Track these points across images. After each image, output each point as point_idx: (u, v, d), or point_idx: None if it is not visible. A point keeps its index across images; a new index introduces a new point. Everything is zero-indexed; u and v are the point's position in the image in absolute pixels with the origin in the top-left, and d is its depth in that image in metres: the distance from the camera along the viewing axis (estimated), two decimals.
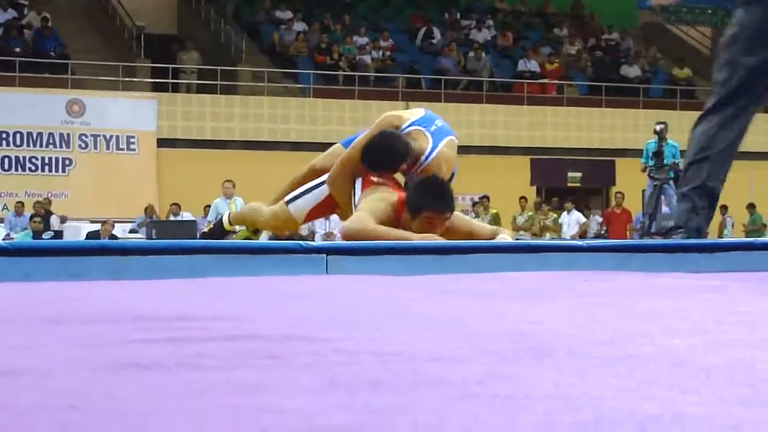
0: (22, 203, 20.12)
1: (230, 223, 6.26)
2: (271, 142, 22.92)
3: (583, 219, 20.77)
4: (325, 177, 5.69)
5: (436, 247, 4.26)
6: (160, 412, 1.11)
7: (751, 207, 22.52)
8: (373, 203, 5.17)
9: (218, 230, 6.28)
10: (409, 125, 5.55)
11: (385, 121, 5.64)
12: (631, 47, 28.66)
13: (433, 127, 5.57)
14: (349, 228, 5.04)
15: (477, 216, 18.69)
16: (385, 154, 5.40)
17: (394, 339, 1.75)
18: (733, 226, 22.28)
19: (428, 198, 5.02)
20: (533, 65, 26.14)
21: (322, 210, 5.86)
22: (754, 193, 23.67)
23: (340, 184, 5.55)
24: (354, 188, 5.48)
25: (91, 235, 18.27)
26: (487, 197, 20.12)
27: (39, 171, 21.69)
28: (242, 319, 2.04)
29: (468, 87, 25.47)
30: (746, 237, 19.17)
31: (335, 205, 5.68)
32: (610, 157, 23.86)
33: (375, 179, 5.40)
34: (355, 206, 5.36)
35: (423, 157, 5.45)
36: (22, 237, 17.92)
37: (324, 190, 5.67)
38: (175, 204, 20.44)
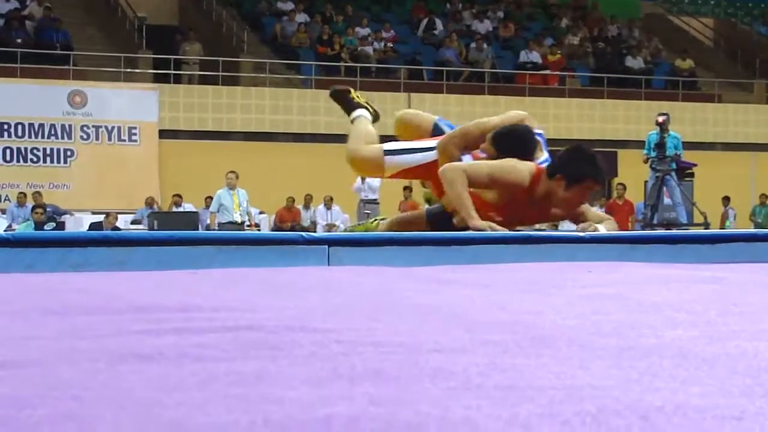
0: (24, 194, 20.12)
1: (352, 123, 6.23)
2: (272, 133, 22.91)
3: None
4: (428, 143, 5.72)
5: (437, 238, 4.25)
6: (162, 403, 1.11)
7: (764, 197, 22.44)
8: (504, 166, 5.23)
9: (347, 105, 6.32)
10: (537, 134, 5.70)
11: (522, 117, 5.74)
12: (633, 38, 28.62)
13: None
14: (446, 174, 5.18)
15: None
16: (519, 145, 5.45)
17: (395, 330, 1.75)
18: (735, 217, 22.26)
19: (591, 168, 5.22)
20: (535, 56, 26.11)
21: (417, 173, 5.86)
22: (756, 184, 23.66)
23: (451, 151, 5.55)
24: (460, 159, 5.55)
25: (94, 227, 18.28)
26: None
27: (41, 162, 21.69)
28: (244, 310, 2.04)
29: (470, 78, 25.45)
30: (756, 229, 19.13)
31: (433, 173, 5.64)
32: (612, 148, 23.83)
33: (483, 155, 5.52)
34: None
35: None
36: (24, 228, 17.93)
37: (429, 156, 5.66)
38: (177, 195, 20.45)
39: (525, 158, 5.38)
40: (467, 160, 5.50)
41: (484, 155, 5.50)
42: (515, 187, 5.18)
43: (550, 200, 5.19)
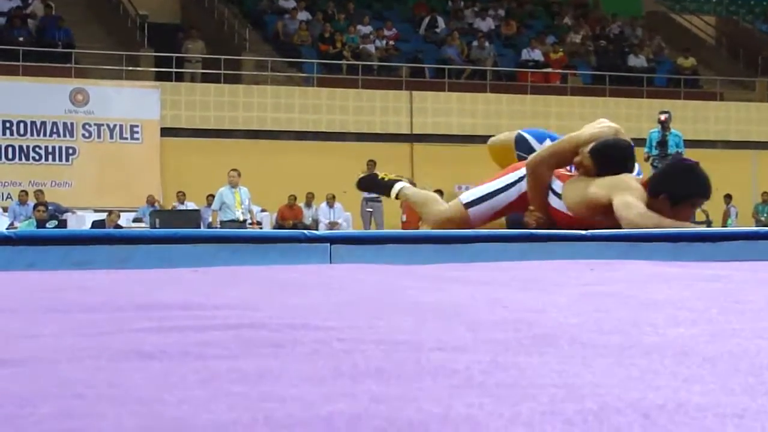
0: (26, 192, 20.13)
1: (397, 197, 6.09)
2: (274, 131, 22.92)
3: None
4: (507, 179, 5.55)
5: (440, 236, 4.25)
6: (165, 401, 1.11)
7: (766, 195, 22.41)
8: (632, 192, 5.06)
9: (383, 186, 6.14)
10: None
11: (616, 129, 5.54)
12: (635, 36, 28.61)
13: None
14: (635, 217, 4.92)
15: None
16: (621, 161, 5.30)
17: (397, 328, 1.75)
18: (737, 215, 22.24)
19: (696, 186, 5.17)
20: (537, 54, 26.11)
21: (507, 212, 5.63)
22: (757, 182, 23.65)
23: (542, 174, 5.38)
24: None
25: (96, 225, 18.29)
26: None
27: (43, 160, 21.70)
28: (246, 307, 2.04)
29: (472, 76, 25.44)
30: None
31: (525, 205, 5.49)
32: None
33: (570, 173, 5.39)
34: (558, 195, 5.31)
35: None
36: (25, 226, 17.94)
37: (511, 194, 5.50)
38: (181, 192, 20.47)
39: (624, 173, 5.25)
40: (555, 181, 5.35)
41: (574, 172, 5.35)
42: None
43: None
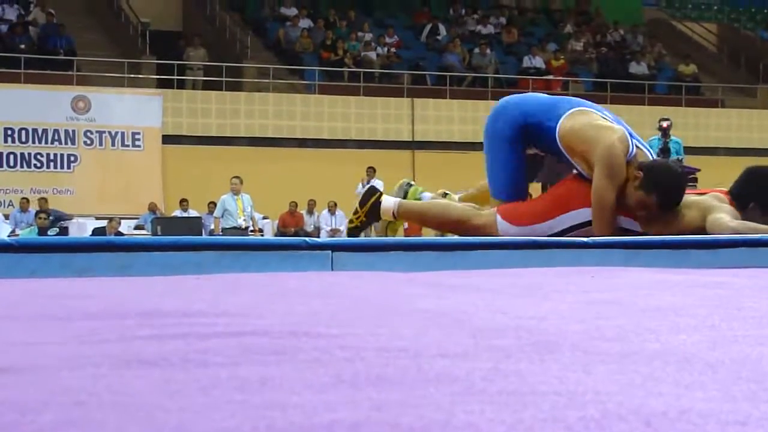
0: (27, 199, 20.14)
1: (395, 217, 5.43)
2: (276, 138, 22.93)
3: None
4: (553, 222, 5.09)
5: (441, 243, 4.25)
6: (166, 408, 1.11)
7: None
8: (724, 209, 4.98)
9: (374, 214, 5.43)
10: (632, 148, 5.24)
11: (620, 159, 5.09)
12: (636, 43, 28.63)
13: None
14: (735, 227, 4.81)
15: None
16: (679, 193, 5.04)
17: (399, 335, 1.75)
18: None
19: None
20: (538, 61, 26.13)
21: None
22: None
23: (608, 223, 5.00)
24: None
25: (97, 232, 18.30)
26: None
27: (44, 167, 21.72)
28: (248, 315, 2.04)
29: (473, 83, 25.46)
30: None
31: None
32: None
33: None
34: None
35: None
36: (27, 233, 17.94)
37: (553, 229, 5.05)
38: (185, 200, 20.48)
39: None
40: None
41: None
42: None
43: None
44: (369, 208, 5.43)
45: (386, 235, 5.51)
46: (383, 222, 5.51)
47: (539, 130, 5.27)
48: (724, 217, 4.89)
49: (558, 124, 5.20)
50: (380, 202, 5.42)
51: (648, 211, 4.99)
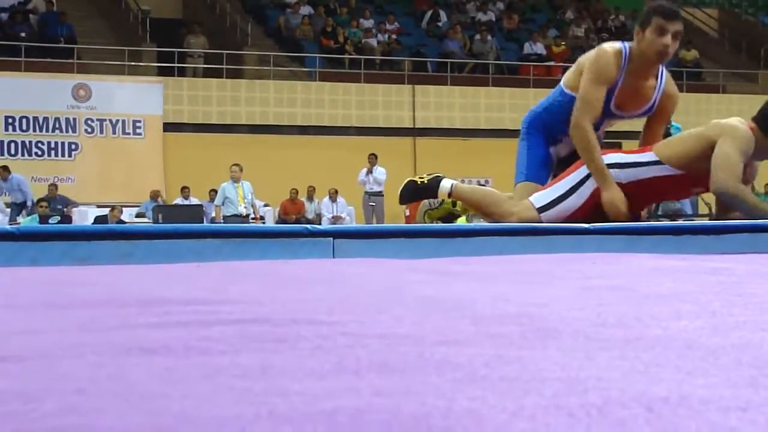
0: (7, 167, 20.06)
1: (450, 195, 5.76)
2: (277, 126, 22.92)
3: None
4: (575, 177, 5.40)
5: (442, 230, 4.25)
6: (168, 396, 1.11)
7: None
8: (741, 140, 5.21)
9: (427, 190, 5.81)
10: (625, 51, 5.89)
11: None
12: None
13: None
14: (728, 189, 5.06)
15: None
16: None
17: (401, 322, 1.75)
18: None
19: None
20: (539, 48, 26.10)
21: (581, 213, 5.34)
22: (761, 174, 23.59)
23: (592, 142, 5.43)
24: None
25: (98, 220, 18.31)
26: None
27: (45, 156, 21.73)
28: (249, 302, 2.04)
29: (474, 70, 25.44)
30: None
31: (595, 207, 5.33)
32: (616, 139, 23.77)
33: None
34: (641, 164, 5.38)
35: None
36: (28, 221, 17.95)
37: (583, 194, 5.34)
38: (186, 187, 20.48)
39: None
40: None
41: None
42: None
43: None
44: (432, 179, 5.85)
45: (423, 222, 5.78)
46: (422, 207, 5.81)
47: (550, 105, 6.02)
48: (734, 160, 5.10)
49: (562, 83, 5.97)
50: (440, 180, 5.83)
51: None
